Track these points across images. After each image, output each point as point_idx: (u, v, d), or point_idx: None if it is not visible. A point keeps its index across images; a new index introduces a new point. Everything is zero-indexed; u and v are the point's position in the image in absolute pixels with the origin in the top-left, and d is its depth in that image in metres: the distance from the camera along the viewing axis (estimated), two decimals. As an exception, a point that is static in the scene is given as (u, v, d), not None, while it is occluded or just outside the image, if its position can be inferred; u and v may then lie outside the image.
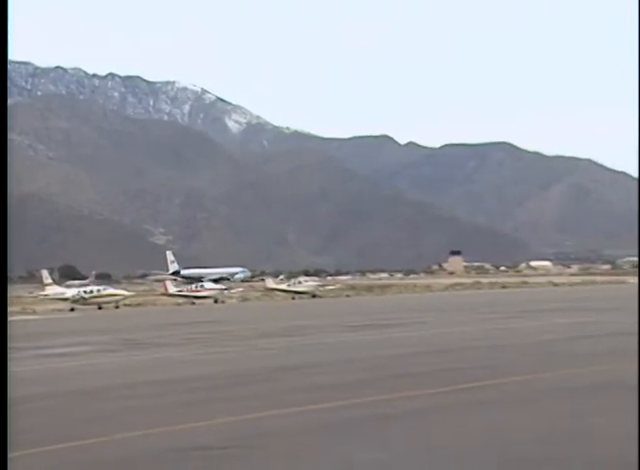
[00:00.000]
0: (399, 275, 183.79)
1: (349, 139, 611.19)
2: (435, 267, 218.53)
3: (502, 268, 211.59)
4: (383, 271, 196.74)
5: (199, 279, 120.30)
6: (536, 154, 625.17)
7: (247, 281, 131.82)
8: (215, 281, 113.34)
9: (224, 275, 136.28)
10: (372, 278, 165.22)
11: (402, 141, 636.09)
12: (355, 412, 11.56)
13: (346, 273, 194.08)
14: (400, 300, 59.17)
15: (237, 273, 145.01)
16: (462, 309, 39.67)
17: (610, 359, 16.75)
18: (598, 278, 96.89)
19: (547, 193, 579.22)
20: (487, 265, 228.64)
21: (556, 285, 76.12)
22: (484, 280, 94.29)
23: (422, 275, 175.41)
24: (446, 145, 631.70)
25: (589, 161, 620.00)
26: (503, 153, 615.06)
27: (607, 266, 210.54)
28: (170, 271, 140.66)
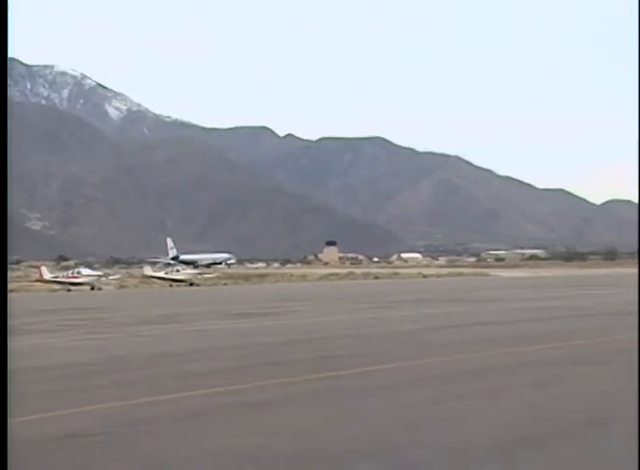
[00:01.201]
0: (276, 265, 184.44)
1: (229, 129, 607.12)
2: (312, 258, 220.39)
3: (375, 259, 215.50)
4: (260, 261, 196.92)
5: (193, 264, 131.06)
6: (409, 149, 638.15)
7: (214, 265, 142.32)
8: (208, 266, 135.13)
9: (217, 260, 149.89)
10: (250, 267, 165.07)
11: (281, 133, 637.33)
12: (231, 399, 11.60)
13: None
14: (277, 289, 59.41)
15: (229, 259, 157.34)
16: (336, 299, 40.21)
17: (474, 348, 17.38)
18: (464, 270, 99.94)
19: (418, 188, 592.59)
20: (361, 256, 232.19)
21: (425, 276, 78.09)
22: (358, 271, 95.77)
23: (298, 265, 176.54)
24: (323, 138, 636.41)
25: (457, 157, 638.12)
26: (377, 147, 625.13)
27: (472, 259, 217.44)
28: (170, 256, 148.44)
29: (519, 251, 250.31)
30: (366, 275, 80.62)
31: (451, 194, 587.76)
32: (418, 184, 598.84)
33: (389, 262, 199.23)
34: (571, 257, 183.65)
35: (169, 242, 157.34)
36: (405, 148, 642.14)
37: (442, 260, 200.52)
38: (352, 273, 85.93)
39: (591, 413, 10.25)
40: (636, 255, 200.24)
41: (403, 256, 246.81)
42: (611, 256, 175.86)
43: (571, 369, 14.20)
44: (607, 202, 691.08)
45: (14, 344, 20.90)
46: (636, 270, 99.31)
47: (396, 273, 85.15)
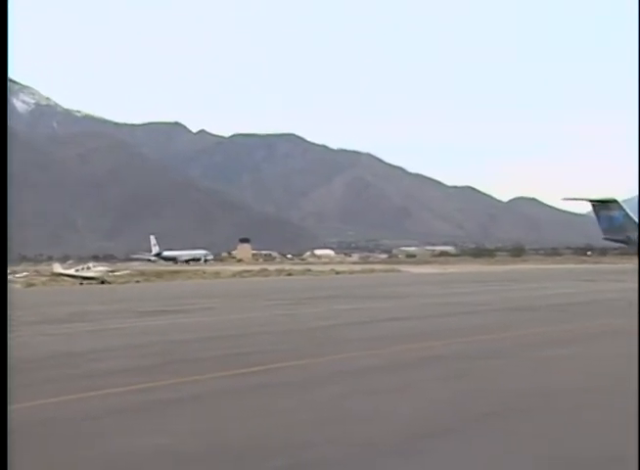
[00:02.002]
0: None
1: (142, 125, 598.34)
2: (225, 254, 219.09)
3: (288, 256, 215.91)
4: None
5: (174, 260, 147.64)
6: (322, 147, 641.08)
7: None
8: (187, 261, 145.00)
9: (196, 256, 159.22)
10: (162, 264, 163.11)
11: (194, 129, 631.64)
12: (139, 397, 11.45)
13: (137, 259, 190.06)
14: (190, 286, 58.88)
15: (207, 254, 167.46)
16: (250, 296, 40.09)
17: (384, 343, 17.59)
18: (376, 266, 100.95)
19: (331, 185, 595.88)
20: (274, 253, 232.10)
21: (338, 273, 78.53)
22: (271, 267, 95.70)
23: (212, 262, 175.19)
24: (236, 134, 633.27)
25: (369, 155, 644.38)
26: (290, 144, 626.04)
27: (384, 256, 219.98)
28: (153, 253, 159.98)
29: (429, 247, 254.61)
30: (279, 272, 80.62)
31: (363, 191, 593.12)
32: (331, 181, 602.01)
33: (303, 259, 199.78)
34: (480, 253, 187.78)
35: (152, 239, 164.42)
36: (318, 145, 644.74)
37: (355, 257, 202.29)
38: (266, 270, 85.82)
39: (494, 407, 10.51)
40: (542, 251, 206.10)
41: (316, 252, 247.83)
42: (517, 252, 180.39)
43: (477, 363, 14.52)
44: (513, 199, 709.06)
45: None
46: (540, 266, 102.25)
47: (309, 270, 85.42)
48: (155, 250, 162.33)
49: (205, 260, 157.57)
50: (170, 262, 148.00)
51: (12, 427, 9.45)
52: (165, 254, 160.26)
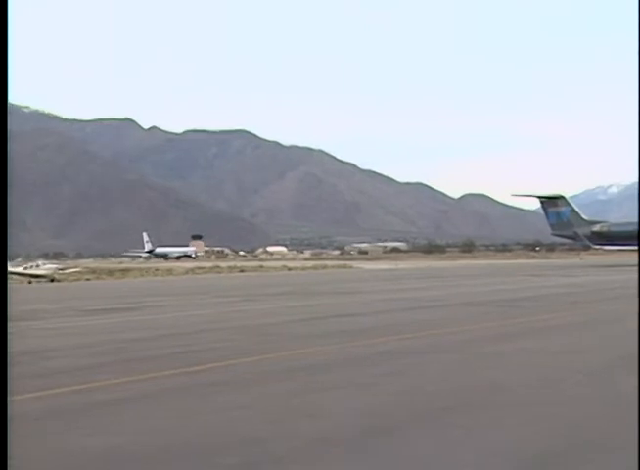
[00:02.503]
0: (141, 259, 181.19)
1: (91, 121, 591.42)
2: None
3: (241, 253, 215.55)
4: (125, 255, 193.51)
5: (165, 256, 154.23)
6: (274, 143, 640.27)
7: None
8: (177, 258, 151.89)
9: (187, 252, 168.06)
10: (114, 262, 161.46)
11: (145, 125, 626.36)
12: (90, 397, 11.28)
13: (88, 256, 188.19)
14: (140, 283, 58.36)
15: (196, 251, 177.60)
16: (202, 293, 39.85)
17: (336, 339, 17.60)
18: (329, 263, 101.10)
19: (283, 181, 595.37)
20: (227, 250, 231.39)
21: (290, 269, 78.48)
22: (224, 264, 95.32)
23: (164, 259, 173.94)
24: (188, 131, 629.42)
25: (321, 151, 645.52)
26: (243, 141, 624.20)
27: (337, 252, 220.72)
28: (146, 249, 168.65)
29: (381, 243, 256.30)
30: (232, 269, 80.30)
31: (315, 188, 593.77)
32: (283, 178, 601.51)
33: (255, 256, 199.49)
34: (431, 249, 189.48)
35: (145, 236, 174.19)
36: (270, 141, 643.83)
37: (307, 253, 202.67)
38: (218, 267, 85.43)
39: (445, 401, 10.59)
40: (492, 247, 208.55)
41: (269, 249, 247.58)
42: (468, 248, 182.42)
43: (428, 358, 14.61)
44: (464, 195, 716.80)
45: None
46: (490, 262, 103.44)
47: (262, 266, 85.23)
48: (147, 247, 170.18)
49: (195, 257, 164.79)
50: (161, 259, 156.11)
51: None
52: (157, 250, 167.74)
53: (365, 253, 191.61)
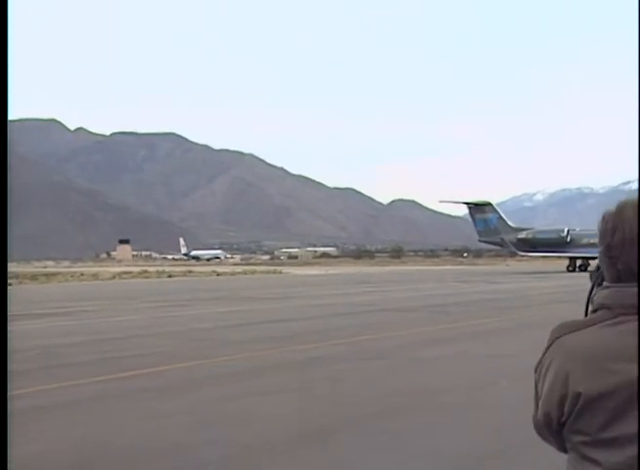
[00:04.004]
0: (67, 263, 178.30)
1: (15, 121, 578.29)
2: (104, 256, 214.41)
3: (169, 257, 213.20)
4: (49, 259, 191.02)
5: (197, 258, 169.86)
6: (204, 146, 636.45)
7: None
8: (208, 260, 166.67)
9: (217, 255, 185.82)
10: (37, 266, 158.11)
11: (71, 126, 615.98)
12: (18, 403, 11.07)
13: (11, 260, 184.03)
14: (66, 288, 57.31)
15: (225, 254, 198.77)
16: (130, 298, 39.36)
17: (268, 345, 17.63)
18: (258, 268, 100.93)
19: (213, 185, 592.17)
20: (156, 254, 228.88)
21: (219, 274, 78.04)
22: (152, 269, 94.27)
23: (90, 264, 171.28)
24: (116, 133, 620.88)
25: (252, 155, 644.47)
26: (172, 143, 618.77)
27: (266, 257, 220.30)
28: (182, 253, 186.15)
29: (311, 248, 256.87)
30: (160, 273, 79.42)
31: (245, 192, 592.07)
32: (213, 181, 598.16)
33: (185, 261, 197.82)
34: (361, 254, 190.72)
35: (181, 241, 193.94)
36: (201, 145, 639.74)
37: (237, 258, 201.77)
38: (146, 272, 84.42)
39: (377, 406, 10.72)
40: (421, 253, 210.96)
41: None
42: (397, 254, 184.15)
43: (359, 364, 14.76)
44: (393, 201, 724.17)
45: None
46: (419, 268, 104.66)
47: (191, 271, 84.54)
48: (183, 250, 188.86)
49: (223, 259, 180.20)
50: (194, 261, 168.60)
51: None
52: (192, 253, 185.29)
53: (295, 258, 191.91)
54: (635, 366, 1.89)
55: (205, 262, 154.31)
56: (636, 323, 1.94)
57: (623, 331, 1.95)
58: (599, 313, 2.04)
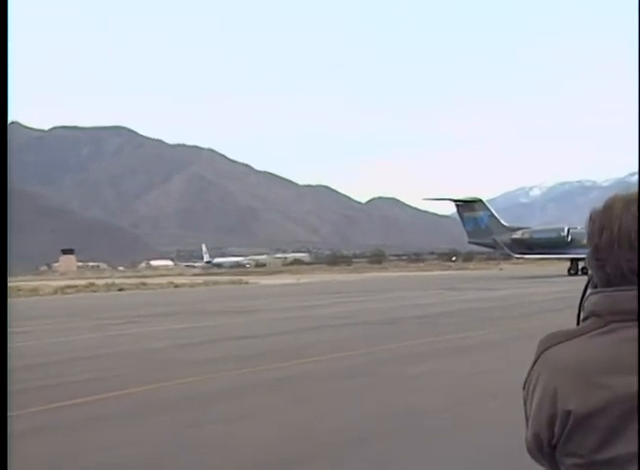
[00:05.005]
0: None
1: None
2: (44, 268, 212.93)
3: (120, 268, 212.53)
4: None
5: (220, 266, 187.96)
6: (158, 141, 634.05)
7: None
8: (231, 267, 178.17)
9: (241, 262, 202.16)
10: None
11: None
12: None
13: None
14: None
15: (249, 260, 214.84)
16: (74, 315, 39.30)
17: (230, 365, 17.79)
18: (221, 278, 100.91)
19: (168, 185, 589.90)
20: (104, 265, 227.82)
21: (177, 286, 77.98)
22: (100, 282, 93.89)
23: (29, 277, 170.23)
24: (57, 127, 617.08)
25: (211, 151, 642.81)
26: (121, 139, 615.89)
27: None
28: (205, 260, 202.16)
29: (280, 255, 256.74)
30: (109, 286, 79.17)
31: (205, 192, 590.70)
32: (168, 181, 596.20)
33: (137, 271, 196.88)
34: (336, 260, 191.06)
35: (204, 248, 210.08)
36: (153, 140, 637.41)
37: (197, 268, 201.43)
38: (93, 285, 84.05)
39: (354, 430, 10.96)
40: (404, 257, 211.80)
41: (152, 263, 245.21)
42: (377, 259, 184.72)
43: (330, 384, 14.99)
44: (372, 199, 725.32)
45: None
46: (402, 274, 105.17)
47: (144, 283, 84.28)
48: (206, 257, 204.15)
49: (247, 266, 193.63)
50: (215, 268, 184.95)
51: None
52: (215, 261, 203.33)
53: (262, 266, 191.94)
54: (630, 379, 1.86)
55: (229, 270, 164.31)
56: (630, 331, 1.91)
57: (615, 340, 1.93)
58: (589, 322, 2.02)
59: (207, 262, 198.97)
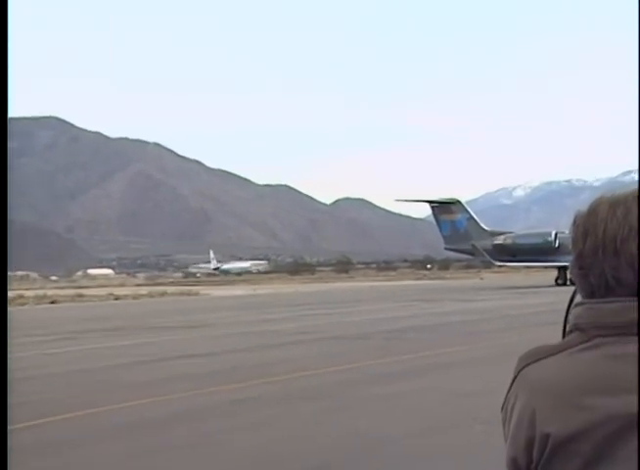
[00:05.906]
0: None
1: None
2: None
3: (53, 278, 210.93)
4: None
5: (226, 272, 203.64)
6: (96, 134, 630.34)
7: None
8: (239, 274, 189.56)
9: (249, 269, 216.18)
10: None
11: None
12: None
13: None
14: None
15: (256, 265, 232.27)
16: (2, 331, 38.91)
17: (177, 387, 17.77)
18: (169, 289, 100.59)
19: (108, 184, 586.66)
20: (34, 275, 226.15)
21: (118, 298, 77.59)
22: (30, 293, 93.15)
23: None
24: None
25: (157, 145, 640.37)
26: (54, 131, 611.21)
27: (179, 275, 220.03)
28: (213, 267, 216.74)
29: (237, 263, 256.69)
30: (40, 299, 78.55)
31: (151, 191, 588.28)
32: (109, 179, 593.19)
33: (73, 281, 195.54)
34: (298, 269, 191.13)
35: (211, 253, 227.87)
36: (91, 132, 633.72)
37: (141, 277, 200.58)
38: (22, 297, 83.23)
39: (317, 459, 11.03)
40: (373, 265, 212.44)
41: (90, 272, 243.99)
42: (343, 267, 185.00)
43: (296, 405, 15.06)
44: (338, 200, 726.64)
45: None
46: (371, 284, 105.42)
47: (81, 295, 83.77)
48: (213, 264, 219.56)
49: (255, 272, 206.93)
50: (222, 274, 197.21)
51: None
52: (223, 267, 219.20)
53: (215, 275, 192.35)
54: (613, 400, 1.85)
55: (236, 277, 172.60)
56: (615, 347, 1.90)
57: (599, 357, 1.92)
58: (572, 336, 2.01)
59: (215, 269, 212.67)
